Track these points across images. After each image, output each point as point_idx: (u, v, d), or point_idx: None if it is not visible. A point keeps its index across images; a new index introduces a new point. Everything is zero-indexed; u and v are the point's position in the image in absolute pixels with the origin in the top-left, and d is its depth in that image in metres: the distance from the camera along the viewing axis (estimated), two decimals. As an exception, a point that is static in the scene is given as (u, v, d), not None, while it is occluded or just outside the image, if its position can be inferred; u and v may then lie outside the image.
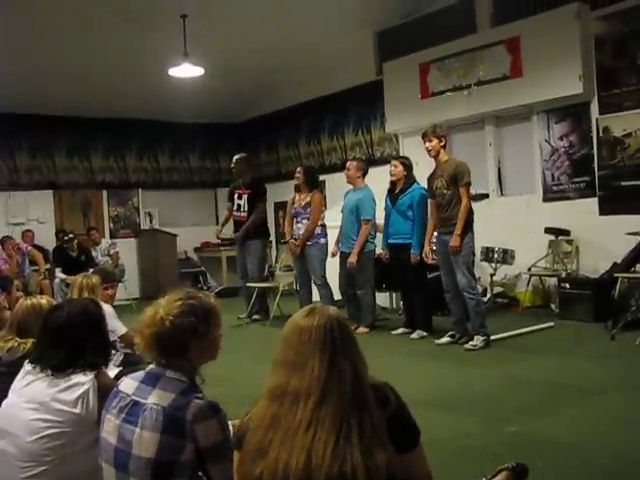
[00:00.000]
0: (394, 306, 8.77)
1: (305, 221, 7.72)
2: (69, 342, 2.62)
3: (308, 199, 7.76)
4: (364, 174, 7.50)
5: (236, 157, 8.71)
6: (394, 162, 7.05)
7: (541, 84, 7.69)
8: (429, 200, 6.62)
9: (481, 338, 6.10)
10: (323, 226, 7.79)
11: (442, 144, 6.33)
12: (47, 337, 2.70)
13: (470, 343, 6.10)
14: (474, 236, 6.29)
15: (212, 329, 2.23)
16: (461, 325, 6.38)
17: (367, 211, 7.25)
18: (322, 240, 7.75)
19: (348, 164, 7.59)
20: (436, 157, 6.38)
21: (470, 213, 6.21)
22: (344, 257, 7.38)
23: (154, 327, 2.14)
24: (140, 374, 2.21)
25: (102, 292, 5.07)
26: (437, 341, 6.36)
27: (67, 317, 2.69)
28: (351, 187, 7.57)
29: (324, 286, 7.69)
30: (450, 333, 6.39)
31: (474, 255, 6.49)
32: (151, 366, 2.20)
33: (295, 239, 7.78)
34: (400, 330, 7.03)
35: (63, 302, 3.08)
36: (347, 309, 7.37)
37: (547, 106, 7.96)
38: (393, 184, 7.04)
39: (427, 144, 6.34)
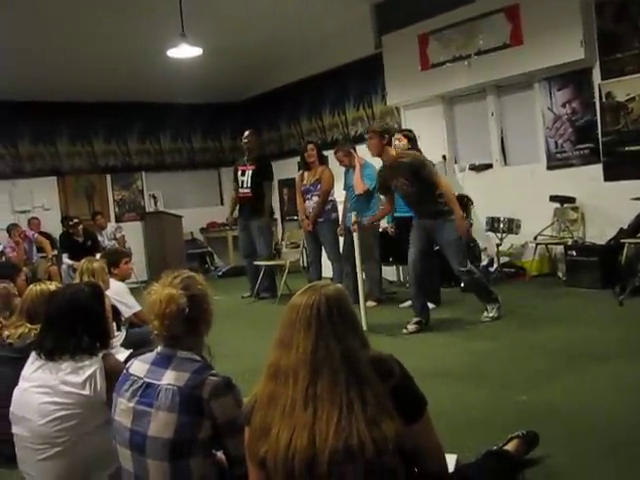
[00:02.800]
0: (401, 279, 8.78)
1: (315, 198, 7.72)
2: (60, 328, 2.65)
3: (317, 176, 7.76)
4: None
5: (248, 132, 8.68)
6: (397, 136, 6.98)
7: (542, 51, 7.61)
8: None
9: (494, 307, 6.05)
10: (333, 201, 7.80)
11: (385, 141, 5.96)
12: (44, 323, 2.78)
13: (484, 315, 6.05)
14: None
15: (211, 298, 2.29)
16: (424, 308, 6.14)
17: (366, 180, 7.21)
18: (333, 215, 7.77)
19: (336, 157, 7.52)
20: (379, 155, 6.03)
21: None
22: (349, 231, 7.40)
23: (174, 304, 2.14)
24: (150, 356, 2.22)
25: (122, 268, 5.23)
26: (404, 331, 5.94)
27: (58, 304, 2.74)
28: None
29: (337, 260, 7.71)
30: (416, 320, 6.04)
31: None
32: (160, 348, 2.21)
33: (308, 217, 7.78)
34: (408, 303, 7.03)
35: (60, 288, 3.10)
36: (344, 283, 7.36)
37: (548, 73, 7.89)
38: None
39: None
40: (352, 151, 7.47)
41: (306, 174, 7.92)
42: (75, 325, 2.66)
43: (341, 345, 1.80)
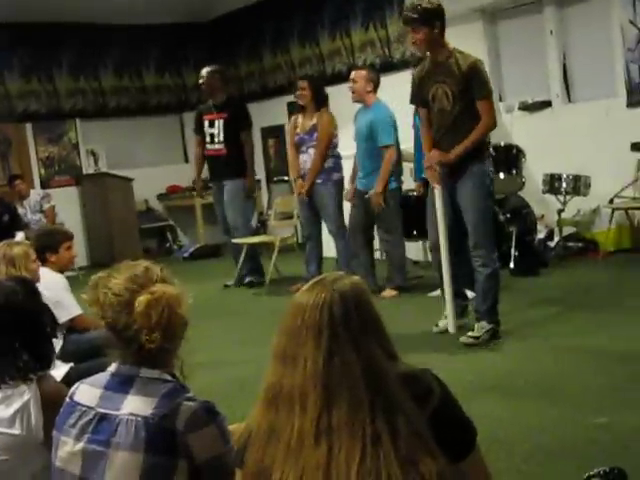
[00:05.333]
0: (429, 259, 8.79)
1: (312, 150, 7.76)
2: None
3: (314, 121, 7.77)
4: (375, 87, 7.50)
5: (205, 69, 8.70)
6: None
7: None
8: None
9: (488, 328, 5.65)
10: (336, 157, 7.84)
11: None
12: None
13: (469, 334, 5.65)
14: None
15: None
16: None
17: (385, 134, 7.29)
18: (335, 175, 7.79)
19: (353, 74, 7.56)
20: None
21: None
22: (359, 196, 7.47)
23: (180, 308, 2.16)
24: (102, 378, 2.22)
25: (62, 255, 5.31)
26: (434, 328, 6.02)
27: None
28: (360, 105, 7.58)
29: (342, 236, 7.76)
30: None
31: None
32: (116, 365, 2.21)
33: (303, 176, 7.82)
34: (439, 291, 7.05)
35: None
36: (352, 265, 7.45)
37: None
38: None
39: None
40: (374, 80, 7.48)
41: (300, 119, 7.94)
42: (10, 339, 2.62)
43: (363, 358, 1.81)
